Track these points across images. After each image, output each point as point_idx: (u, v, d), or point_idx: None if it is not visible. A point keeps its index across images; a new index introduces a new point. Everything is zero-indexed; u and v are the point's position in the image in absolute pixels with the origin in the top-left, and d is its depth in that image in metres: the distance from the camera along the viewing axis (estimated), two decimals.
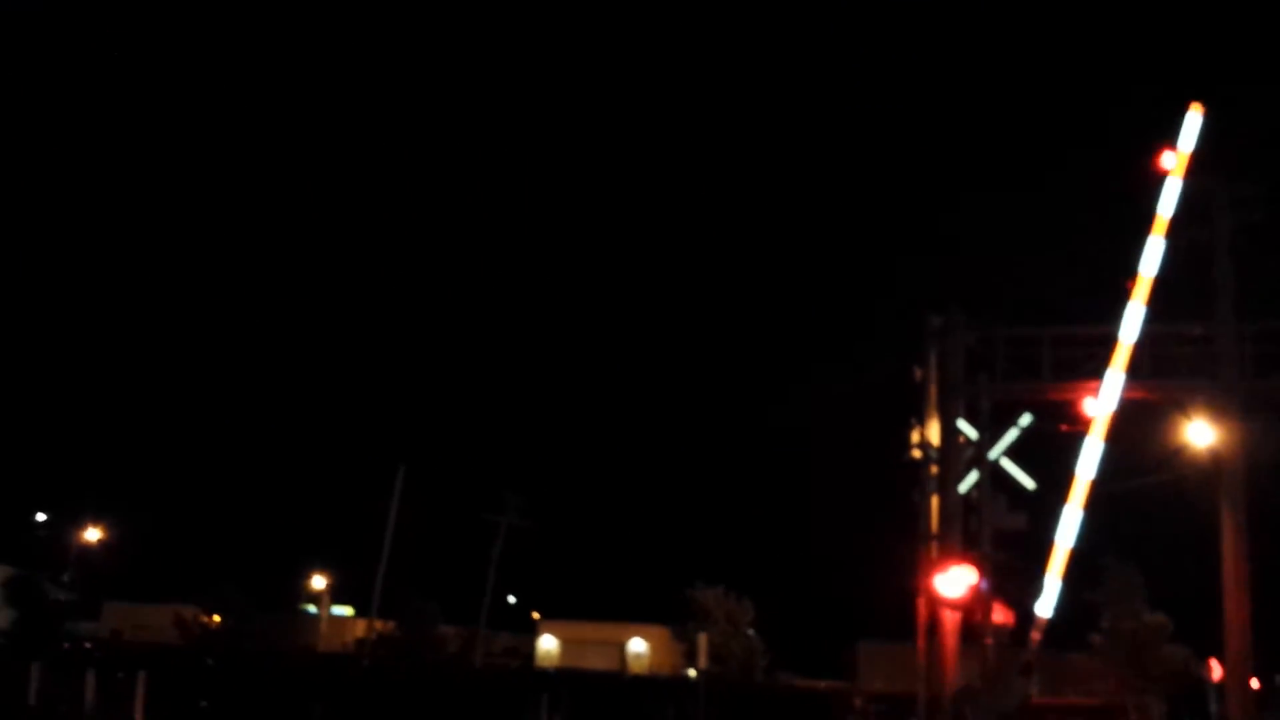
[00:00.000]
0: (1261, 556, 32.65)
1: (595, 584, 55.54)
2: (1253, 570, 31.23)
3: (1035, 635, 19.27)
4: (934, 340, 23.05)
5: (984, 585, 19.21)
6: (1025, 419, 22.74)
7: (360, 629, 43.19)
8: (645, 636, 49.04)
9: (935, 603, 20.09)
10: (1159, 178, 21.65)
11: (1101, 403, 20.26)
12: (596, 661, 43.87)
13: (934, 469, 22.15)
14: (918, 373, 23.06)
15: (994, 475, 21.40)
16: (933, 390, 22.77)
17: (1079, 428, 21.03)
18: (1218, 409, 27.79)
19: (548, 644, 50.58)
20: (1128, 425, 28.46)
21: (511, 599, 56.69)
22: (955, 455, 22.25)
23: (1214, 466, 30.68)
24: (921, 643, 21.22)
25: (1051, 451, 21.43)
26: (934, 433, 22.45)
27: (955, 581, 19.10)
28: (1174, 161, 21.51)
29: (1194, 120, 21.93)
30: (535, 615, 54.64)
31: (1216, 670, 34.49)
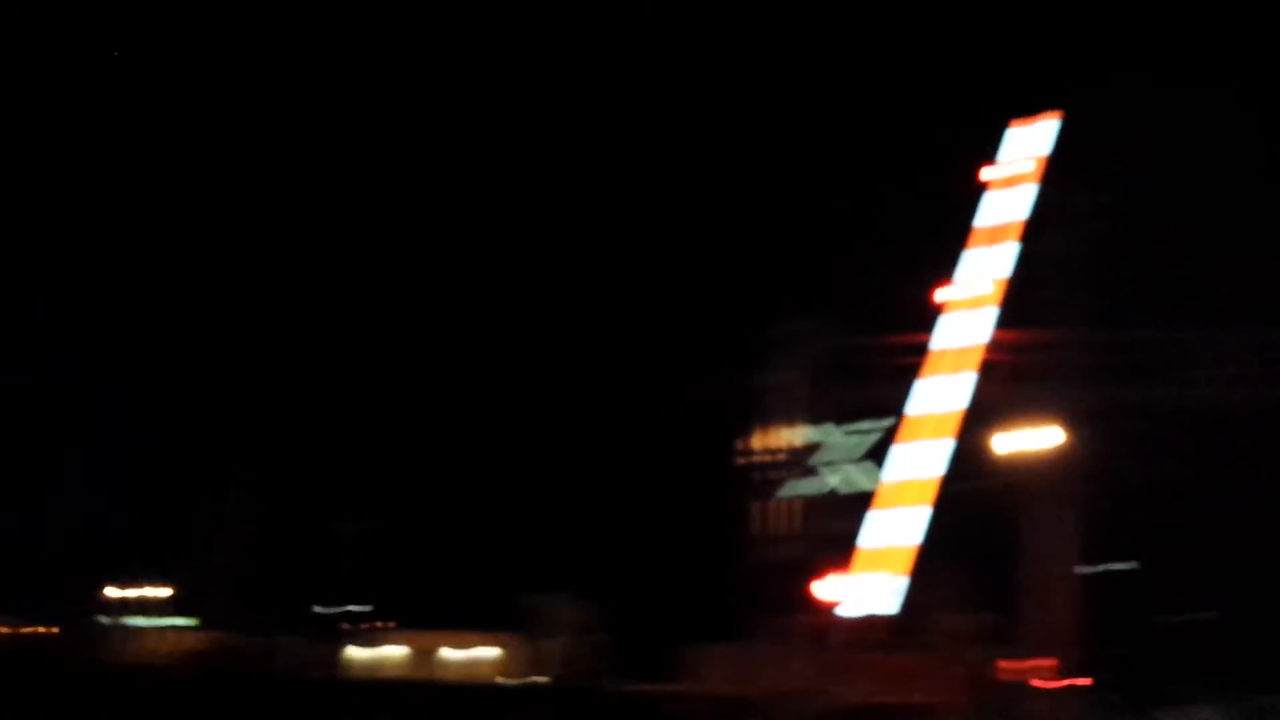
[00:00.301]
0: (1086, 559, 34.01)
1: (442, 592, 54.64)
2: (1077, 572, 32.49)
3: (864, 635, 19.66)
4: (779, 347, 23.39)
5: (823, 588, 19.59)
6: (865, 424, 23.17)
7: (193, 641, 41.63)
8: (493, 644, 48.48)
9: (782, 605, 20.16)
10: (984, 189, 22.33)
11: (948, 404, 20.64)
12: (443, 671, 43.13)
13: (774, 473, 22.44)
14: (760, 378, 23.35)
15: (834, 479, 21.76)
16: (774, 396, 23.08)
17: (921, 429, 21.36)
18: (1064, 414, 28.80)
19: (392, 653, 49.54)
20: (969, 428, 29.33)
21: (355, 608, 55.44)
22: (795, 459, 22.59)
23: (1051, 470, 31.85)
24: (756, 645, 21.46)
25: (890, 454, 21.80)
26: (775, 437, 22.75)
27: (837, 587, 19.36)
28: (995, 174, 22.19)
29: (1050, 127, 22.62)
30: (380, 624, 53.53)
31: (1038, 669, 35.81)
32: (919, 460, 20.75)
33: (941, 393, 21.21)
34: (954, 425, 20.74)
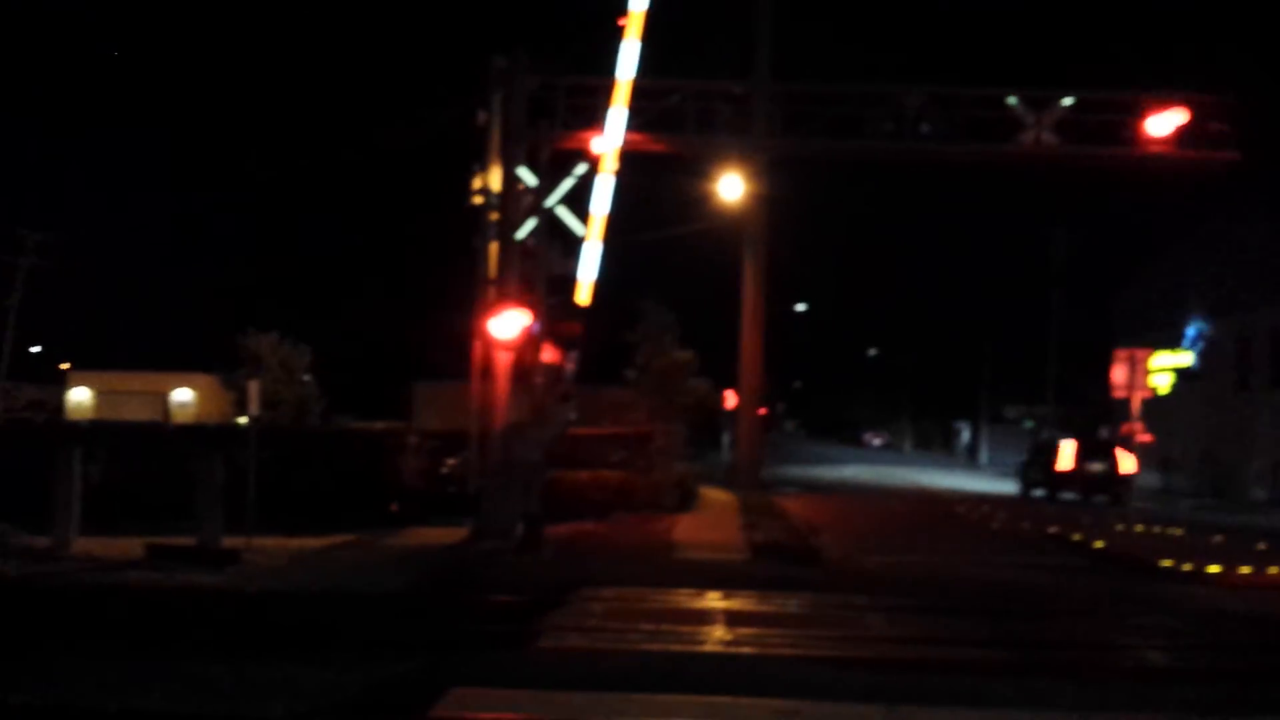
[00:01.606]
0: (772, 300, 36.85)
1: (133, 331, 52.23)
2: (765, 312, 35.28)
3: (570, 366, 20.55)
4: (496, 83, 22.87)
5: (536, 327, 20.24)
6: (580, 168, 23.42)
7: None
8: (191, 385, 47.21)
9: (490, 344, 20.83)
10: None
11: (607, 141, 20.87)
12: (137, 413, 41.76)
13: (494, 215, 22.47)
14: (481, 116, 22.90)
15: (550, 222, 22.03)
16: (495, 135, 22.77)
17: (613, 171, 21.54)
18: (749, 163, 30.31)
19: (80, 396, 47.35)
20: (667, 178, 30.38)
21: (35, 349, 52.17)
22: (515, 202, 22.66)
23: (740, 217, 33.81)
24: (475, 382, 22.08)
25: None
26: (495, 179, 22.65)
27: (509, 324, 20.02)
28: None
29: None
30: (65, 366, 50.80)
31: (731, 400, 39.23)
32: (600, 198, 21.03)
33: (612, 129, 21.14)
34: (613, 162, 20.86)
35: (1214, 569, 17.36)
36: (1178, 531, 23.57)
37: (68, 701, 8.17)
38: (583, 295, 20.40)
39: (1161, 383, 39.72)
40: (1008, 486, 44.43)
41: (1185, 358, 44.61)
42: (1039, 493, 38.31)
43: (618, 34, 20.50)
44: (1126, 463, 35.31)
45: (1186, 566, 17.60)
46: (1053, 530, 23.93)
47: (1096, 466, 36.49)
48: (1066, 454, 37.23)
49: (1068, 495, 36.58)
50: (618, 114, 20.82)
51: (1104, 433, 50.65)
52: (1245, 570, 17.33)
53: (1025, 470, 41.35)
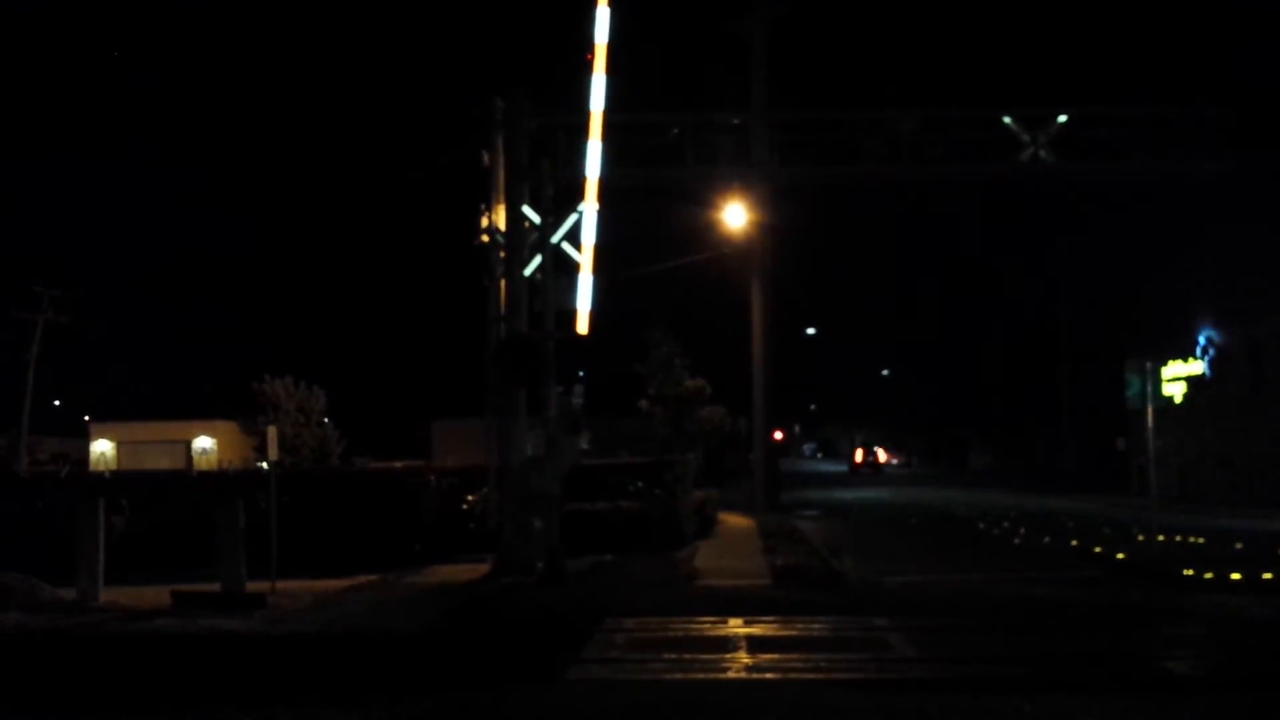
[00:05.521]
0: (782, 326, 37.01)
1: (151, 382, 52.57)
2: (775, 338, 35.44)
3: (577, 399, 20.75)
4: (498, 125, 23.20)
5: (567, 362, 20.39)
6: (583, 204, 23.65)
7: None
8: (211, 433, 47.55)
9: (505, 381, 20.76)
10: None
11: (588, 173, 21.21)
12: (159, 462, 42.13)
13: (502, 253, 22.73)
14: (485, 158, 23.22)
15: (556, 259, 22.25)
16: (499, 175, 23.07)
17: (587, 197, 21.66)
18: (751, 193, 30.55)
19: (102, 447, 47.71)
20: (672, 212, 30.62)
21: (56, 402, 52.59)
22: (520, 240, 22.93)
23: (746, 245, 34.03)
24: (491, 419, 22.25)
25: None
26: (501, 218, 22.92)
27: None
28: None
29: None
30: (86, 418, 51.19)
31: (747, 424, 39.40)
32: (587, 229, 21.32)
33: (591, 162, 21.52)
34: (593, 195, 21.24)
35: (1236, 576, 17.37)
36: (1199, 540, 23.56)
37: None
38: (581, 326, 20.61)
39: (1174, 392, 39.65)
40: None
41: (1197, 366, 44.53)
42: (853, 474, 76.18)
43: (586, 66, 20.77)
44: (883, 457, 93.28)
45: (1208, 575, 17.60)
46: (1074, 544, 23.94)
47: (871, 459, 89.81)
48: (858, 454, 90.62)
49: (862, 474, 78.80)
50: (593, 146, 21.16)
51: (1120, 444, 50.50)
52: (1268, 576, 17.33)
53: (848, 464, 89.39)
